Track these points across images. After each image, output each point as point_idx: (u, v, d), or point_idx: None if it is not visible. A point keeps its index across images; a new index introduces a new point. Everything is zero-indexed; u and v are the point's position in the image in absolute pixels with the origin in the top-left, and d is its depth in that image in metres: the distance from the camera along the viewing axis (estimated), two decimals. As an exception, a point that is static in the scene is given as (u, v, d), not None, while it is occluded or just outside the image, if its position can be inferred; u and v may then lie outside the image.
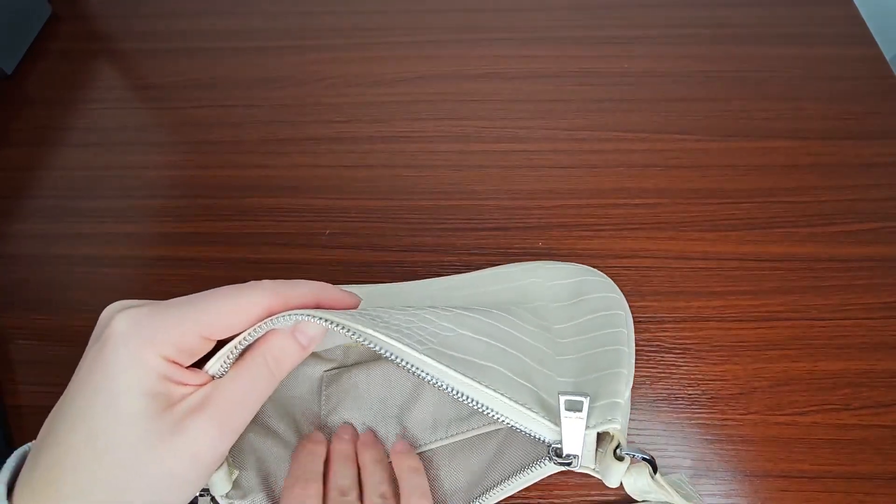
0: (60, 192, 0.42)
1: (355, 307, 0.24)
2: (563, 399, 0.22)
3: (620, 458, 0.23)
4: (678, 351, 0.34)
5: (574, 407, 0.22)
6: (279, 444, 0.28)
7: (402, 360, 0.22)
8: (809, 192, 0.40)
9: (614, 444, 0.24)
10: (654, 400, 0.33)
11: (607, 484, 0.24)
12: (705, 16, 0.50)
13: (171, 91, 0.47)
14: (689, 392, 0.33)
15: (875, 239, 0.38)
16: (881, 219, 0.39)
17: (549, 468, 0.25)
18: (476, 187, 0.41)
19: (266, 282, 0.21)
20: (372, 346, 0.21)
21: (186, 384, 0.20)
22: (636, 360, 0.33)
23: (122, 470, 0.19)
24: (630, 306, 0.36)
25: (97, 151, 0.44)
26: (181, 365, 0.20)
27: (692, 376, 0.34)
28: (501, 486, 0.27)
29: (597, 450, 0.24)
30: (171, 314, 0.20)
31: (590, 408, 0.23)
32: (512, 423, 0.23)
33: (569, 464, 0.23)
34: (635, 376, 0.33)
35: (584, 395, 0.22)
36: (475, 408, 0.23)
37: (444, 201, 0.40)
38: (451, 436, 0.29)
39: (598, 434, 0.24)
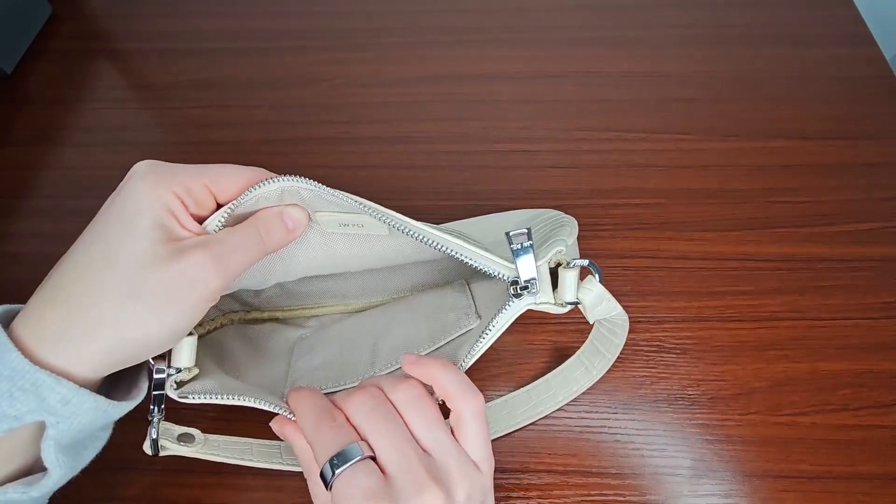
0: (61, 192, 0.42)
1: None
2: (509, 234, 0.25)
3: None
4: (678, 351, 0.34)
5: (519, 240, 0.25)
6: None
7: (378, 213, 0.25)
8: (809, 192, 0.40)
9: (563, 265, 0.27)
10: (654, 400, 0.33)
11: (567, 300, 0.26)
12: (705, 16, 0.50)
13: (171, 91, 0.47)
14: (689, 392, 0.33)
15: (875, 239, 0.38)
16: (881, 219, 0.39)
17: (516, 306, 0.26)
18: (476, 188, 0.41)
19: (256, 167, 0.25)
20: (349, 200, 0.24)
21: (187, 228, 0.23)
22: (636, 359, 0.34)
23: (129, 277, 0.21)
24: (630, 306, 0.36)
25: (97, 151, 0.44)
26: (187, 207, 0.23)
27: (692, 376, 0.34)
28: (478, 341, 0.27)
29: (554, 292, 0.27)
30: (183, 165, 0.24)
31: (538, 252, 0.26)
32: (473, 262, 0.26)
33: (525, 288, 0.25)
34: (635, 376, 0.33)
35: (527, 228, 0.25)
36: (443, 250, 0.25)
37: (444, 202, 0.40)
38: (424, 349, 0.31)
39: (552, 273, 0.27)
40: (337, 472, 0.22)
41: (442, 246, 0.25)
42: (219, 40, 0.50)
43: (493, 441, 0.31)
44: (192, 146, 0.44)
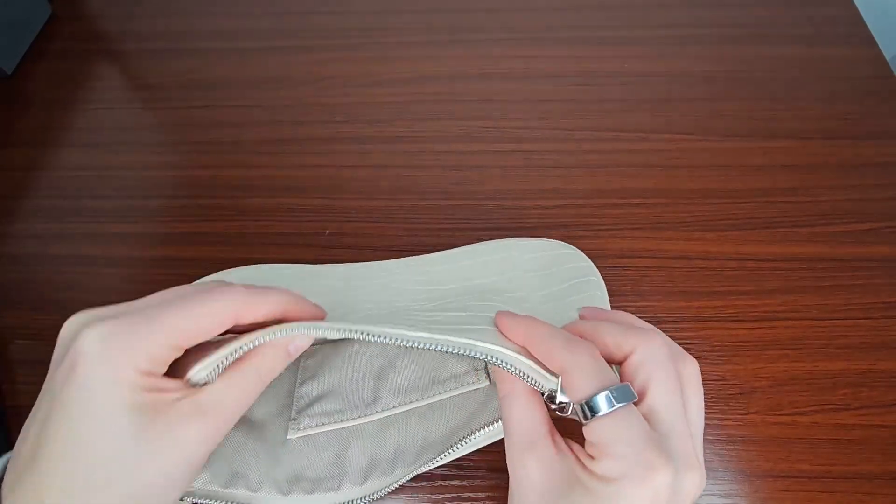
0: (60, 193, 0.42)
1: (321, 319, 0.24)
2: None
3: None
4: (678, 351, 0.34)
5: None
6: (245, 430, 0.29)
7: (403, 341, 0.22)
8: (809, 192, 0.40)
9: None
10: (655, 400, 0.33)
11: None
12: (705, 16, 0.50)
13: (171, 91, 0.47)
14: (690, 392, 0.33)
15: (875, 239, 0.38)
16: (881, 219, 0.39)
17: None
18: (476, 187, 0.41)
19: (235, 287, 0.21)
20: (357, 334, 0.22)
21: (167, 390, 0.20)
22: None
23: (116, 485, 0.19)
24: (630, 306, 0.36)
25: (97, 151, 0.44)
26: (157, 374, 0.20)
27: (692, 376, 0.33)
28: (488, 428, 0.27)
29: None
30: (142, 325, 0.19)
31: None
32: (511, 366, 0.23)
33: (562, 409, 0.23)
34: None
35: None
36: (478, 356, 0.23)
37: (444, 201, 0.40)
38: (428, 397, 0.30)
39: None
40: (616, 406, 0.19)
41: (472, 352, 0.23)
42: (219, 40, 0.50)
43: (490, 445, 0.31)
44: (192, 146, 0.44)
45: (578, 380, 0.20)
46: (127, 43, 0.51)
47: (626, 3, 0.51)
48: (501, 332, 0.24)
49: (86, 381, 0.18)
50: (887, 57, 0.47)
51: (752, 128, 0.43)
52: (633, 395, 0.20)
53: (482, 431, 0.28)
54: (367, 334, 0.22)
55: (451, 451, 0.28)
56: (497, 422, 0.27)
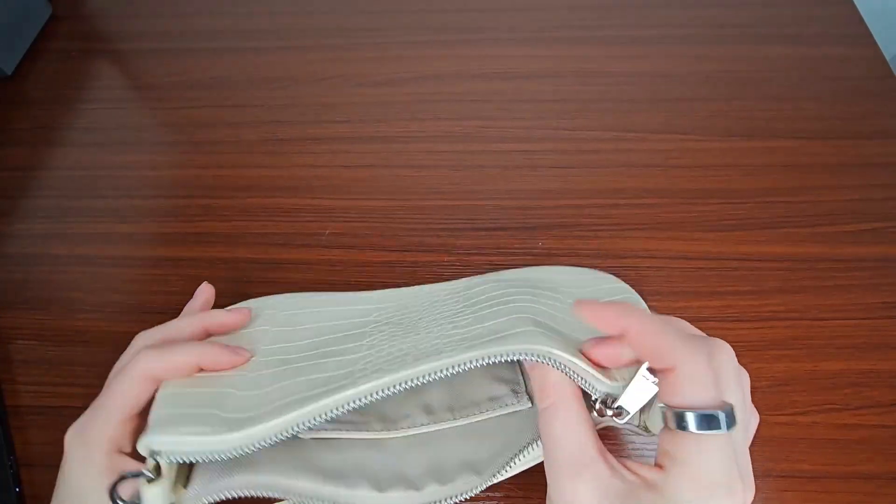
0: (60, 192, 0.42)
1: (242, 362, 0.25)
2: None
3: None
4: (678, 351, 0.34)
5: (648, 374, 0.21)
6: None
7: (425, 377, 0.22)
8: (809, 192, 0.40)
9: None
10: (655, 400, 0.33)
11: (656, 432, 0.23)
12: (705, 16, 0.50)
13: (171, 91, 0.47)
14: (690, 392, 0.33)
15: (875, 239, 0.38)
16: (881, 219, 0.39)
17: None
18: (476, 187, 0.41)
19: (144, 353, 0.24)
20: (385, 393, 0.22)
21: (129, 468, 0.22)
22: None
23: None
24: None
25: (97, 151, 0.44)
26: (124, 452, 0.23)
27: (692, 376, 0.33)
28: (529, 450, 0.25)
29: (642, 415, 0.23)
30: (97, 415, 0.23)
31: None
32: (564, 368, 0.21)
33: (619, 414, 0.22)
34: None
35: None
36: (518, 358, 0.21)
37: (444, 201, 0.40)
38: (462, 418, 0.28)
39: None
40: (725, 430, 0.18)
41: (511, 356, 0.21)
42: (219, 40, 0.50)
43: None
44: (192, 146, 0.44)
45: (694, 386, 0.18)
46: (127, 43, 0.51)
47: (625, 3, 0.51)
48: (585, 317, 0.21)
49: (70, 473, 0.23)
50: (887, 57, 0.47)
51: (752, 128, 0.43)
52: (737, 420, 0.19)
53: (525, 454, 0.26)
54: (382, 389, 0.22)
55: (494, 476, 0.26)
56: (536, 443, 0.25)
